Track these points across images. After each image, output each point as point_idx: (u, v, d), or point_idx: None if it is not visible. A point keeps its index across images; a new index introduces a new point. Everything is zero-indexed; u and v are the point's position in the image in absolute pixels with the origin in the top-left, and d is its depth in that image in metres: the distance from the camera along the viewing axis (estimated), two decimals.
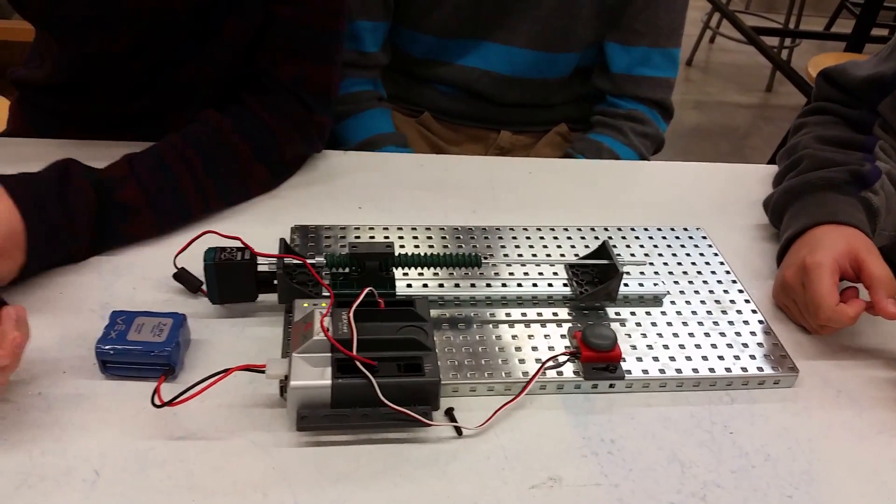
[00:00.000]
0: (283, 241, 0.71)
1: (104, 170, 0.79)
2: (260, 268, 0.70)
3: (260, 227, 0.83)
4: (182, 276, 0.73)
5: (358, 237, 0.83)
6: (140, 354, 0.62)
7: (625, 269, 0.74)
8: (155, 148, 0.83)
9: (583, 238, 0.86)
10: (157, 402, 0.58)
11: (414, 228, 0.85)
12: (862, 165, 0.83)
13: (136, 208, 0.79)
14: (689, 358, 0.70)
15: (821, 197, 0.82)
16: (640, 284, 0.77)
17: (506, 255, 0.82)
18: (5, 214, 0.69)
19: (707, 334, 0.74)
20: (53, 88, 0.97)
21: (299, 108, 0.90)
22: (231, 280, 0.69)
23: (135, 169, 0.80)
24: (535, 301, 0.76)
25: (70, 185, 0.74)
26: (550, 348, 0.70)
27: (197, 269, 0.71)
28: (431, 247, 0.83)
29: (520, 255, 0.83)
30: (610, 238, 0.86)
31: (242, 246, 0.69)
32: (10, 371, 0.60)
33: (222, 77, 0.94)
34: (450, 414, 0.63)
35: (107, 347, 0.62)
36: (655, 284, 0.78)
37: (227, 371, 0.60)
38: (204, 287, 0.71)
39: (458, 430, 0.62)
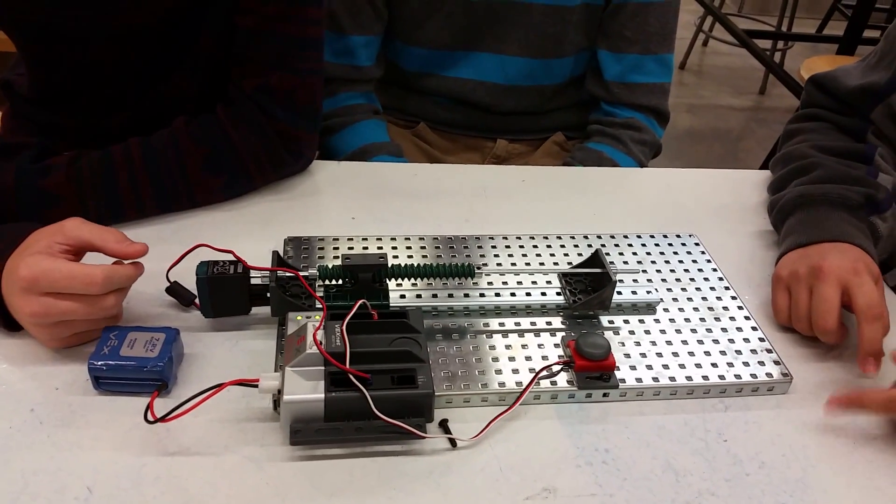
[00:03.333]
0: (275, 253, 0.71)
1: (51, 158, 0.82)
2: (253, 281, 0.70)
3: (253, 238, 0.82)
4: (175, 289, 0.73)
5: (351, 248, 0.83)
6: (133, 370, 0.62)
7: (618, 276, 0.74)
8: (114, 146, 0.85)
9: (576, 246, 0.86)
10: (151, 417, 0.58)
11: (407, 238, 0.85)
12: (878, 191, 0.83)
13: (60, 198, 0.80)
14: (682, 366, 0.70)
15: (836, 214, 0.81)
16: (634, 292, 0.78)
17: (499, 265, 0.82)
18: None
19: (700, 342, 0.74)
20: (36, 100, 0.97)
21: (261, 118, 0.89)
22: (224, 293, 0.69)
23: (77, 161, 0.82)
24: (528, 310, 0.76)
25: None
26: (544, 358, 0.70)
27: (190, 282, 0.71)
28: (425, 257, 0.83)
29: (513, 265, 0.83)
30: (603, 246, 0.86)
31: (235, 259, 0.69)
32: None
33: (203, 90, 0.93)
34: (444, 426, 0.63)
35: (99, 363, 0.62)
36: (648, 292, 0.78)
37: (220, 386, 0.60)
38: (197, 301, 0.71)
39: (453, 442, 0.62)
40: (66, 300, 0.63)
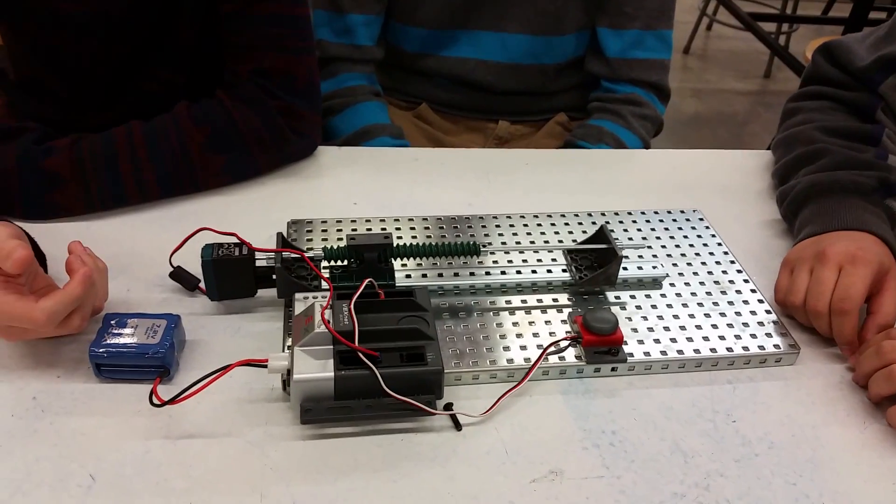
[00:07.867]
0: (280, 235, 0.71)
1: (53, 141, 0.82)
2: (258, 263, 0.69)
3: (254, 222, 0.82)
4: (178, 274, 0.72)
5: (355, 230, 0.82)
6: (134, 356, 0.62)
7: (623, 252, 0.73)
8: (116, 128, 0.85)
9: (580, 224, 0.86)
10: (157, 401, 0.58)
11: (411, 220, 0.85)
12: (890, 173, 0.81)
13: (63, 179, 0.80)
14: (690, 339, 0.70)
15: (849, 201, 0.79)
16: (639, 268, 0.77)
17: (504, 243, 0.82)
18: None
19: (707, 315, 0.73)
20: (24, 86, 0.97)
21: (262, 96, 0.89)
22: (230, 276, 0.69)
23: (79, 142, 0.82)
24: (534, 288, 0.75)
25: None
26: (552, 334, 0.70)
27: (193, 267, 0.71)
28: (429, 237, 0.82)
29: (518, 243, 0.82)
30: (607, 223, 0.86)
31: (239, 241, 0.69)
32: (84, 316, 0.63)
33: (191, 86, 0.93)
34: (449, 409, 0.63)
35: (100, 350, 0.62)
36: (654, 267, 0.78)
37: (227, 367, 0.59)
38: (201, 284, 0.71)
39: (458, 426, 0.62)
40: (22, 333, 0.62)
